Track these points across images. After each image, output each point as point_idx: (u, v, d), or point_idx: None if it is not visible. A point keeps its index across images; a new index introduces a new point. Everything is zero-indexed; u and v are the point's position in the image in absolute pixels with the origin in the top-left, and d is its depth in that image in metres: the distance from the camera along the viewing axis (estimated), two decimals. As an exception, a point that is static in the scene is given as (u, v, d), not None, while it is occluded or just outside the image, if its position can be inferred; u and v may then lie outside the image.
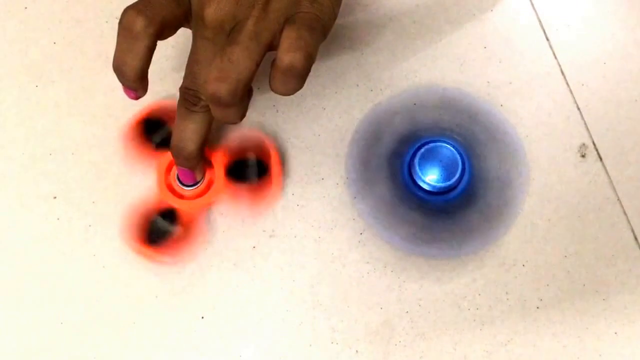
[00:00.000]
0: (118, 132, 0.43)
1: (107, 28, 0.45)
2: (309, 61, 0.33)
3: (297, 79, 0.33)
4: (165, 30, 0.34)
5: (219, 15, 0.33)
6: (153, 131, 0.42)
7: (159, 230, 0.41)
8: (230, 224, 0.42)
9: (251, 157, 0.42)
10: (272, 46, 0.34)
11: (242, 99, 0.33)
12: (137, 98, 0.36)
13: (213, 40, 0.34)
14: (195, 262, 0.41)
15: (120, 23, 0.33)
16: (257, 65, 0.33)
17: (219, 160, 0.42)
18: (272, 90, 0.34)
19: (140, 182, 0.42)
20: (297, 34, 0.32)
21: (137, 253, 0.41)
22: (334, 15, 0.35)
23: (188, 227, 0.41)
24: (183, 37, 0.36)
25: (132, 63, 0.33)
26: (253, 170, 0.42)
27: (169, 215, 0.41)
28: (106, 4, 0.46)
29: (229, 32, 0.34)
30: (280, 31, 0.33)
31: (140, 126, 0.42)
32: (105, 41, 0.45)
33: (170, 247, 0.41)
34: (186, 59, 0.36)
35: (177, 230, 0.41)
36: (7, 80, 0.44)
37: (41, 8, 0.46)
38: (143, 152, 0.42)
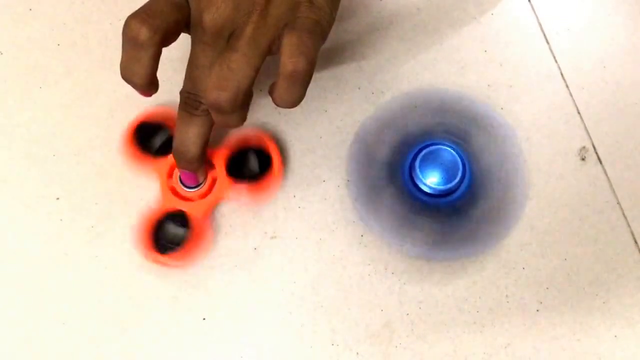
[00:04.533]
0: (120, 134, 0.43)
1: (111, 30, 0.45)
2: (312, 66, 0.33)
3: (301, 84, 0.33)
4: (168, 37, 0.34)
5: (218, 21, 0.34)
6: (150, 136, 0.42)
7: (170, 234, 0.41)
8: (231, 225, 0.42)
9: (251, 150, 0.42)
10: (270, 51, 0.34)
11: (242, 104, 0.33)
12: (149, 95, 0.36)
13: (212, 45, 0.34)
14: (196, 264, 0.41)
15: (124, 33, 0.33)
16: (257, 71, 0.33)
17: (220, 159, 0.42)
18: (276, 102, 0.34)
19: (144, 183, 0.42)
20: (298, 39, 0.33)
21: (150, 261, 0.41)
22: (332, 19, 0.35)
23: (197, 229, 0.41)
24: (187, 39, 0.36)
25: (141, 72, 0.34)
26: (254, 163, 0.42)
27: (179, 218, 0.41)
28: (110, 6, 0.46)
29: (228, 37, 0.34)
30: (279, 36, 0.33)
31: (136, 133, 0.42)
32: (108, 43, 0.45)
33: (182, 251, 0.41)
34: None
35: (187, 233, 0.41)
36: (11, 81, 0.45)
37: (45, 10, 0.46)
38: (142, 158, 0.42)
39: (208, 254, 0.42)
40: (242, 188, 0.41)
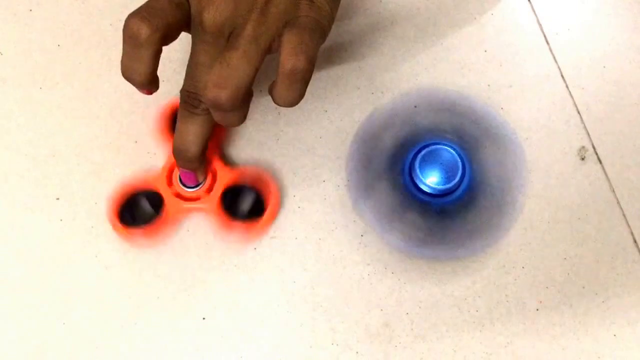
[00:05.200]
0: (120, 134, 0.43)
1: (111, 30, 0.46)
2: (311, 64, 0.33)
3: (300, 83, 0.33)
4: (169, 36, 0.34)
5: (218, 19, 0.34)
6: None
7: (141, 212, 0.41)
8: (231, 225, 0.42)
9: (250, 189, 0.42)
10: (270, 50, 0.34)
11: (242, 103, 0.33)
12: (150, 93, 0.36)
13: (212, 44, 0.34)
14: (196, 263, 0.41)
15: (124, 31, 0.33)
16: (257, 69, 0.33)
17: (216, 154, 0.42)
18: (276, 101, 0.34)
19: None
20: (298, 38, 0.33)
21: (113, 229, 0.41)
22: (332, 18, 0.36)
23: (168, 216, 0.41)
24: (186, 39, 0.36)
25: (141, 70, 0.34)
26: (249, 203, 0.41)
27: (154, 198, 0.41)
28: (110, 7, 0.46)
29: (228, 36, 0.34)
30: (279, 35, 0.33)
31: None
32: (108, 44, 0.45)
33: (147, 230, 0.41)
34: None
35: (158, 216, 0.41)
36: (12, 82, 0.45)
37: (45, 11, 0.46)
38: (135, 232, 0.42)
39: (205, 253, 0.42)
40: (234, 225, 0.41)
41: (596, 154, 0.43)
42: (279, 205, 0.42)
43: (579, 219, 0.42)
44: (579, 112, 0.44)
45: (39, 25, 0.46)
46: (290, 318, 0.41)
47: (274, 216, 0.42)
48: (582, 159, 0.43)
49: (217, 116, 0.34)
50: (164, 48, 0.35)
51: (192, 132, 0.36)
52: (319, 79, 0.45)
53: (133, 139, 0.44)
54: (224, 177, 0.41)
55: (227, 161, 0.43)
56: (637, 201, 0.42)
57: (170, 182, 0.42)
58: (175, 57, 0.43)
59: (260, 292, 0.41)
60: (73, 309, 0.41)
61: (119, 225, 0.41)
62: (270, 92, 0.35)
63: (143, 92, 0.36)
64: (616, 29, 0.46)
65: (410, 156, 0.42)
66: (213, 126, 0.37)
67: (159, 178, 0.42)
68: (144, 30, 0.33)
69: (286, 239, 0.42)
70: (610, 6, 0.46)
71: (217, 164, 0.42)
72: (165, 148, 0.43)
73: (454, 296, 0.41)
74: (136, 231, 0.41)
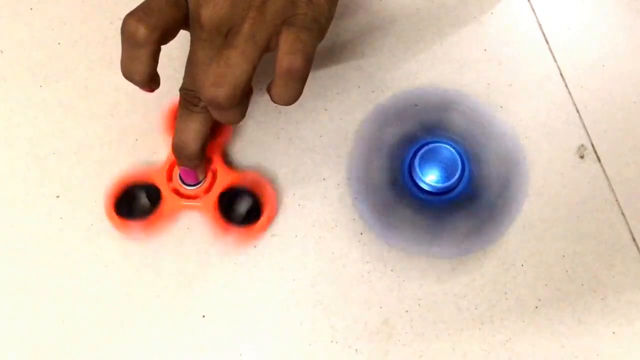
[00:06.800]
0: (121, 132, 0.43)
1: (111, 29, 0.46)
2: (308, 63, 0.33)
3: (298, 81, 0.33)
4: (167, 35, 0.35)
5: (215, 17, 0.34)
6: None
7: (138, 205, 0.41)
8: (231, 223, 0.42)
9: (248, 193, 0.42)
10: (268, 48, 0.34)
11: (241, 100, 0.33)
12: (151, 91, 0.36)
13: (210, 42, 0.34)
14: (196, 261, 0.41)
15: (122, 32, 0.33)
16: (255, 67, 0.33)
17: (217, 155, 0.42)
18: (274, 99, 0.34)
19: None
20: (296, 36, 0.33)
21: (108, 219, 0.41)
22: (330, 16, 0.36)
23: (165, 211, 0.41)
24: (186, 38, 0.36)
25: (140, 69, 0.34)
26: (245, 207, 0.41)
27: (153, 193, 0.41)
28: (110, 5, 0.46)
29: (226, 34, 0.34)
30: (277, 33, 0.33)
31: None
32: (108, 42, 0.45)
33: (143, 223, 0.41)
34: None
35: (154, 210, 0.41)
36: (12, 80, 0.45)
37: (46, 9, 0.46)
38: (131, 224, 0.42)
39: (205, 252, 0.42)
40: (228, 228, 0.41)
41: (595, 152, 0.43)
42: (276, 211, 0.42)
43: (578, 217, 0.42)
44: (578, 111, 0.44)
45: (40, 23, 0.46)
46: (290, 316, 0.41)
47: (269, 222, 0.42)
48: (581, 157, 0.43)
49: (215, 114, 0.35)
50: (166, 48, 0.35)
51: (192, 129, 0.37)
52: (319, 78, 0.45)
53: (133, 137, 0.44)
54: (223, 179, 0.42)
55: (227, 161, 0.43)
56: (635, 199, 0.42)
57: (170, 179, 0.42)
58: (176, 54, 0.43)
59: (259, 290, 0.41)
60: (72, 307, 0.41)
61: (115, 216, 0.41)
62: (268, 90, 0.35)
63: (144, 90, 0.36)
64: (615, 28, 0.46)
65: (410, 154, 0.42)
66: (212, 124, 0.37)
67: (159, 173, 0.42)
68: (141, 31, 0.33)
69: (286, 237, 0.42)
70: (610, 6, 0.46)
71: (218, 165, 0.42)
72: (167, 146, 0.43)
73: (453, 294, 0.41)
74: (132, 223, 0.41)
